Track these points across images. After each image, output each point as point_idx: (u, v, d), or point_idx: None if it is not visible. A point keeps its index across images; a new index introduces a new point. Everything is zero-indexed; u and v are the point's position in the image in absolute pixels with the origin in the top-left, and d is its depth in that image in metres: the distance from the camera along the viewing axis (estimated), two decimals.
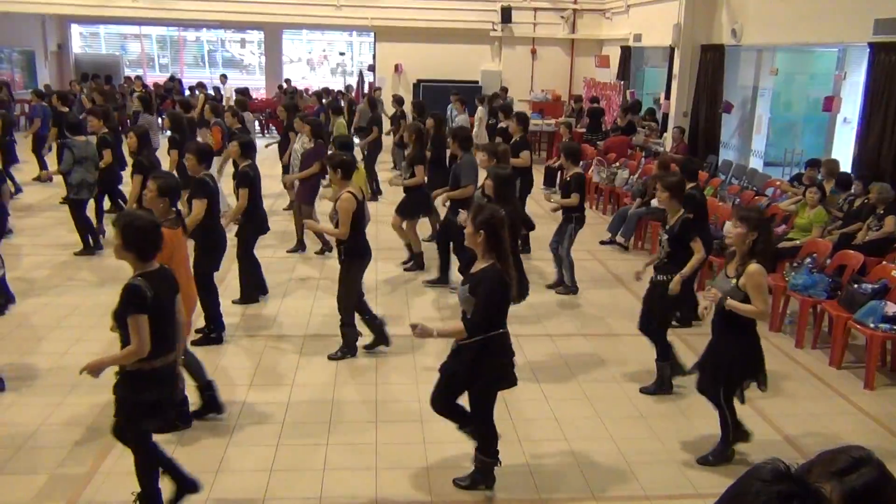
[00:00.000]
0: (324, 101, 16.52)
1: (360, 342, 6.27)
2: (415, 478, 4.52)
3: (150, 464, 3.85)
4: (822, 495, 1.55)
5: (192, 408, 5.03)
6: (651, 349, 5.75)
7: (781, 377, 6.04)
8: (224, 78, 21.26)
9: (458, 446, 4.78)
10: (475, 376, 4.12)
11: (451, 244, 7.75)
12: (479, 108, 14.62)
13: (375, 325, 6.27)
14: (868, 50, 9.34)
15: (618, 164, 12.12)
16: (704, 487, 4.48)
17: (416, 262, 8.66)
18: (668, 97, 14.30)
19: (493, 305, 4.05)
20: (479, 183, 7.70)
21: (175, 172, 7.84)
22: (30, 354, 5.66)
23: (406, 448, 4.85)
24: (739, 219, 4.44)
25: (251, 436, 4.93)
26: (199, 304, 5.71)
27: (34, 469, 4.47)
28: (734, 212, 5.09)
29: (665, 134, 13.93)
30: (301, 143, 9.61)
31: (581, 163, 8.49)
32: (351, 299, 6.07)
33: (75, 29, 25.47)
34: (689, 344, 6.50)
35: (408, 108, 13.98)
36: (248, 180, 6.99)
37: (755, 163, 12.76)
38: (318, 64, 30.66)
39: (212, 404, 5.07)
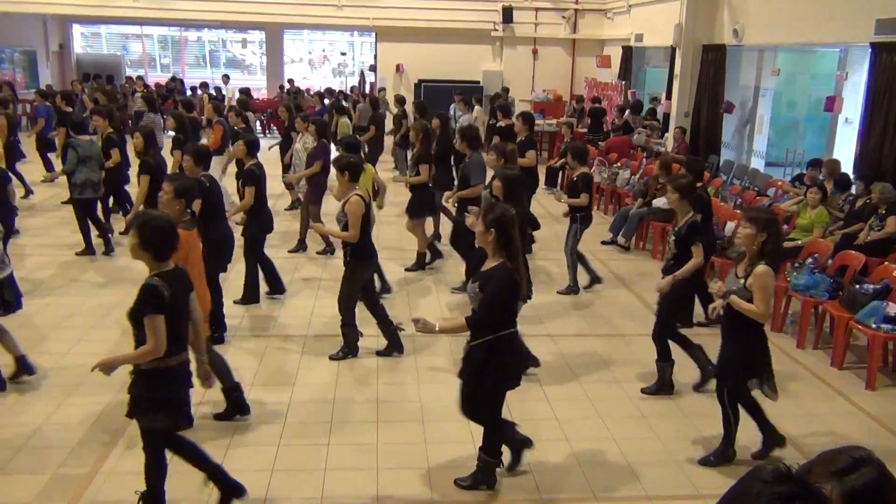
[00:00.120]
0: (325, 101, 16.55)
1: (373, 347, 6.29)
2: (416, 478, 4.52)
3: (159, 464, 3.86)
4: (824, 496, 1.55)
5: (215, 409, 5.09)
6: (652, 350, 5.75)
7: (783, 377, 6.01)
8: (226, 78, 21.29)
9: (460, 446, 4.79)
10: (484, 375, 4.13)
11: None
12: (476, 107, 14.63)
13: (389, 331, 6.27)
14: (870, 50, 9.34)
15: (619, 164, 12.12)
16: (706, 488, 4.49)
17: (417, 262, 8.67)
18: (669, 97, 14.30)
19: (500, 304, 4.06)
20: (486, 182, 7.75)
21: (178, 172, 7.86)
22: (32, 354, 5.66)
23: (408, 448, 4.85)
24: (749, 219, 4.43)
25: (253, 436, 4.94)
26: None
27: (36, 469, 4.48)
28: (743, 212, 5.10)
29: (666, 134, 13.93)
30: (303, 142, 9.63)
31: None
32: (352, 300, 6.07)
33: (77, 29, 25.49)
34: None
35: (409, 107, 13.99)
36: (254, 179, 7.03)
37: (756, 163, 12.75)
38: (320, 64, 30.68)
39: (238, 406, 5.09)
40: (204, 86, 19.64)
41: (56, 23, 22.73)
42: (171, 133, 10.63)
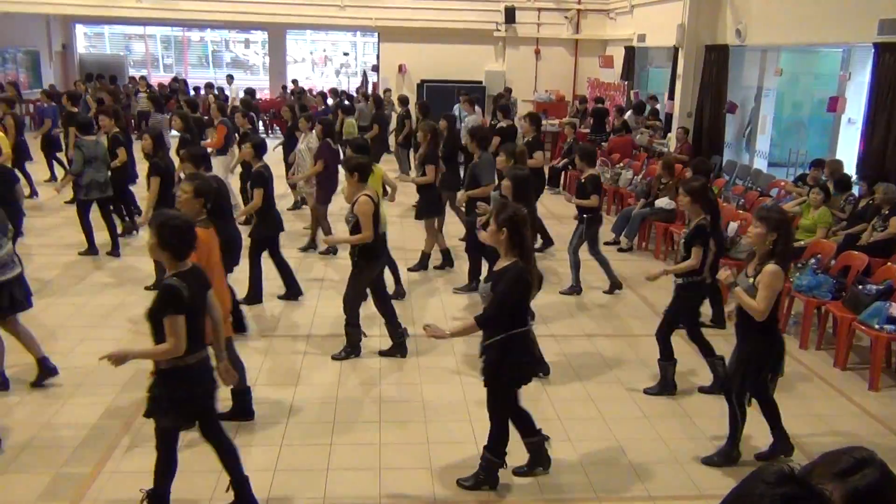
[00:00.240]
0: (329, 101, 16.58)
1: (376, 347, 6.29)
2: (419, 478, 4.52)
3: (170, 463, 3.87)
4: (826, 498, 1.55)
5: (220, 409, 5.06)
6: (655, 351, 5.75)
7: (786, 378, 6.00)
8: (231, 79, 21.31)
9: (462, 447, 4.80)
10: (499, 375, 4.16)
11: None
12: (476, 108, 14.60)
13: (397, 333, 6.27)
14: (873, 50, 9.31)
15: (622, 164, 12.11)
16: (708, 489, 4.48)
17: (420, 262, 8.66)
18: (671, 98, 14.28)
19: (510, 302, 4.08)
20: (496, 182, 7.76)
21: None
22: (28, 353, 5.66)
23: (410, 448, 4.86)
24: (759, 219, 4.43)
25: (255, 436, 4.94)
26: None
27: (39, 468, 4.49)
28: (755, 212, 5.12)
29: (669, 134, 13.92)
30: (307, 142, 9.64)
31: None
32: (358, 300, 6.09)
33: (80, 29, 25.53)
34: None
35: (412, 107, 14.00)
36: (262, 180, 7.10)
37: (759, 163, 12.74)
38: (322, 64, 30.70)
39: (243, 410, 5.09)
40: (209, 86, 19.66)
41: (59, 23, 22.77)
42: (175, 133, 10.66)
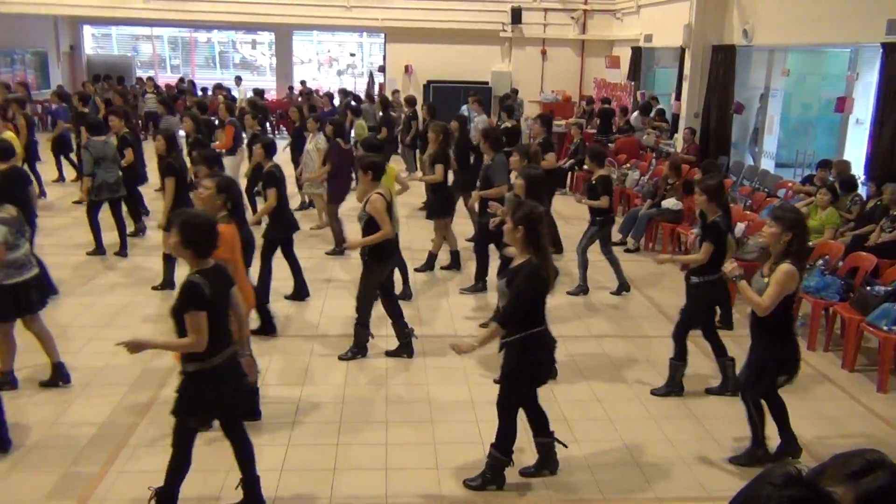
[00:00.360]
0: (335, 102, 16.60)
1: (384, 347, 6.30)
2: (426, 478, 4.52)
3: (184, 462, 3.88)
4: (834, 500, 1.54)
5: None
6: (662, 351, 5.74)
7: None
8: (239, 80, 21.37)
9: (469, 447, 4.80)
10: (516, 373, 4.18)
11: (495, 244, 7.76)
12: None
13: (403, 333, 6.28)
14: (881, 50, 9.29)
15: (628, 164, 12.09)
16: (715, 490, 4.47)
17: (427, 262, 8.67)
18: (678, 98, 14.27)
19: (527, 299, 4.10)
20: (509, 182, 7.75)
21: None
22: (43, 353, 5.68)
23: (416, 449, 4.86)
24: (774, 218, 4.43)
25: (262, 435, 4.94)
26: None
27: (47, 467, 4.51)
28: (770, 211, 5.13)
29: (675, 135, 13.90)
30: (315, 143, 9.66)
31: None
32: (370, 300, 6.10)
33: (87, 30, 25.65)
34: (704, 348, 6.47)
35: (419, 108, 14.00)
36: (275, 180, 7.14)
37: (767, 164, 12.70)
38: (328, 65, 30.76)
39: (250, 410, 5.09)
40: (219, 87, 19.70)
41: (67, 24, 22.85)
42: (183, 134, 10.69)
